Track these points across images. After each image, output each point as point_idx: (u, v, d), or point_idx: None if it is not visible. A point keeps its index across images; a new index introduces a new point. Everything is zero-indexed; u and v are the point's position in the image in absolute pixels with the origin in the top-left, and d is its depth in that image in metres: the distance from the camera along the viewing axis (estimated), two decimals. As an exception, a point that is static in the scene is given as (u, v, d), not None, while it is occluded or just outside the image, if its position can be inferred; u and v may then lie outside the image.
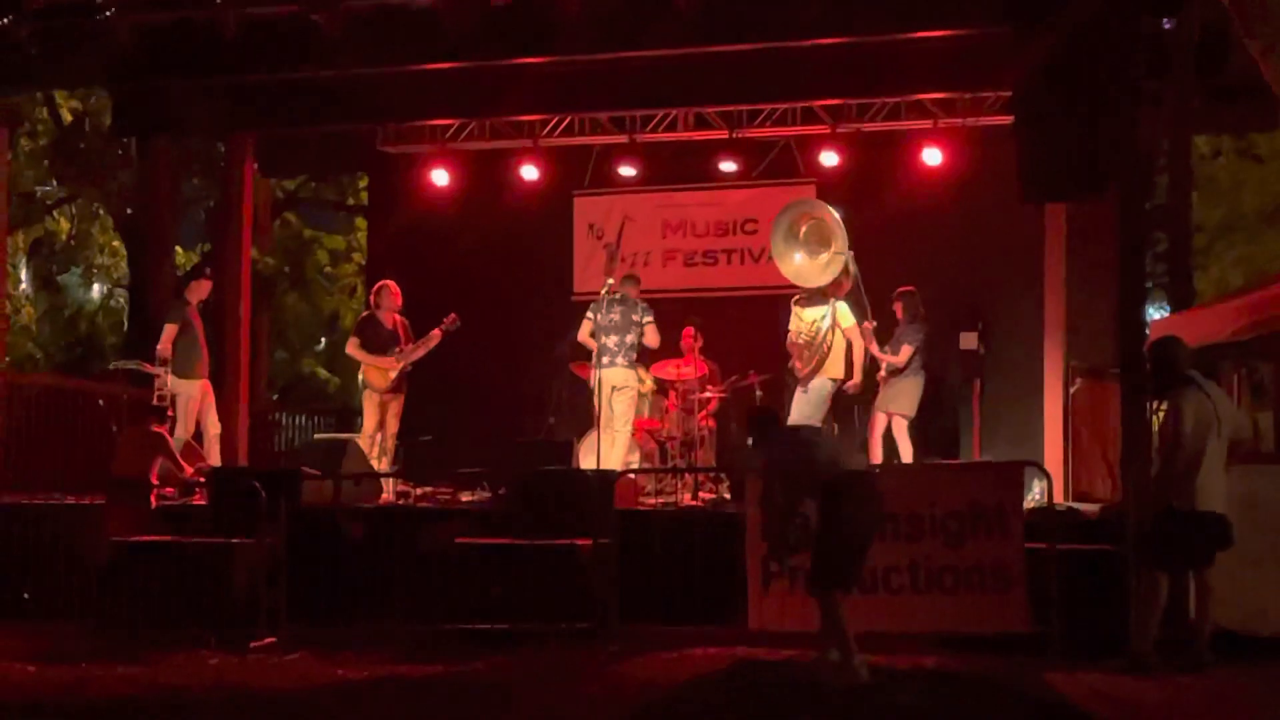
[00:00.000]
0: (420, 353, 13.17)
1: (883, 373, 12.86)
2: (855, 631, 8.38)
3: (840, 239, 12.54)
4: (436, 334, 13.10)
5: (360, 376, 13.45)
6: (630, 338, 12.75)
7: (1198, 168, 17.45)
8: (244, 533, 10.21)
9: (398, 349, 13.14)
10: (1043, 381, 13.52)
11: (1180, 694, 8.27)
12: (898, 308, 13.00)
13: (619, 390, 12.75)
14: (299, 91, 13.64)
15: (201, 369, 12.95)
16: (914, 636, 9.14)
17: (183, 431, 12.66)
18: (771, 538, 8.82)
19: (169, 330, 12.85)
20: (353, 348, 13.37)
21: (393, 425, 13.29)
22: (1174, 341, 9.18)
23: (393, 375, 13.12)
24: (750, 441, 9.04)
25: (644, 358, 13.28)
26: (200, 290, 13.28)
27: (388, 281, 13.57)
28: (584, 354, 13.28)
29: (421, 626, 10.07)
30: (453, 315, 13.07)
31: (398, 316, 13.36)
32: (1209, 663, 8.73)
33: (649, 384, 13.56)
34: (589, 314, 12.99)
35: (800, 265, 12.80)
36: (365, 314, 13.86)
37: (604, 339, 12.78)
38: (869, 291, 12.84)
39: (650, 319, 12.82)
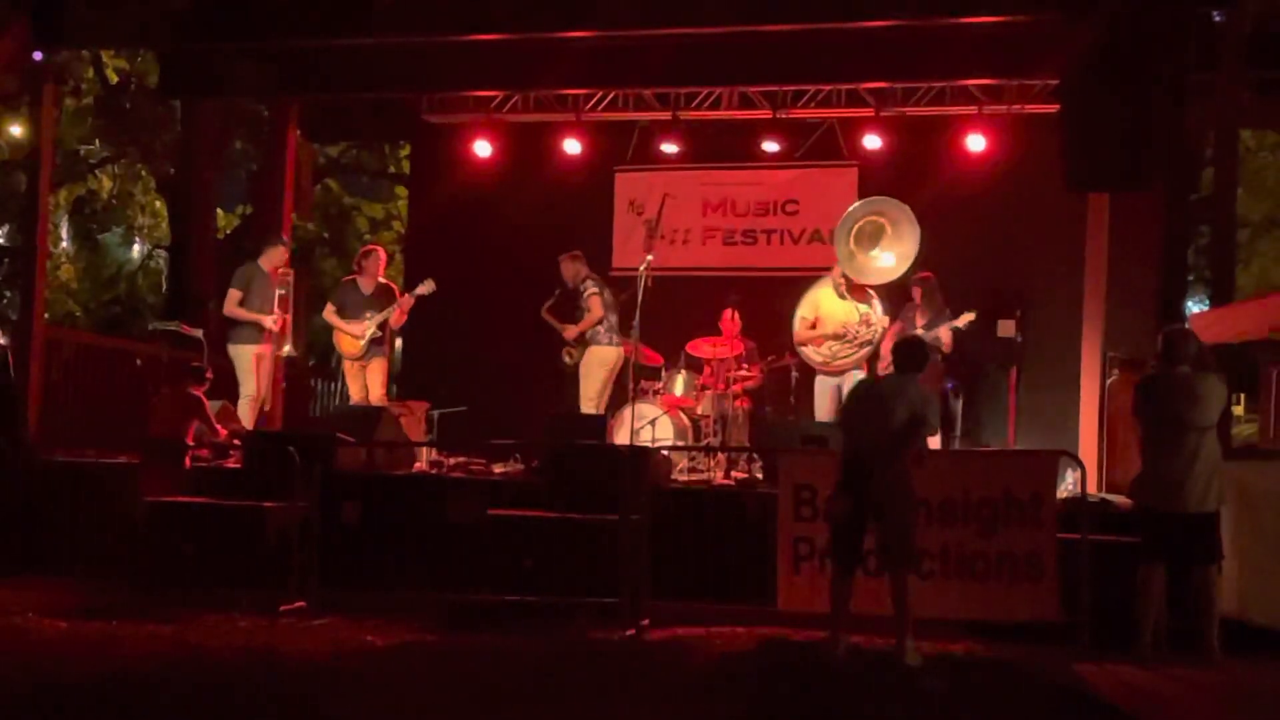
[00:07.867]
0: (397, 317, 13.10)
1: None
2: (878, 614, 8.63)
3: (911, 239, 12.58)
4: (407, 298, 13.03)
5: (335, 346, 13.48)
6: (614, 316, 13.08)
7: (1243, 162, 17.35)
8: (277, 497, 10.22)
9: (369, 315, 13.05)
10: (1080, 371, 13.46)
11: (1203, 688, 8.29)
12: (917, 293, 12.91)
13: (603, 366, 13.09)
14: (346, 58, 13.66)
15: (255, 335, 12.93)
16: (943, 622, 9.11)
17: (249, 390, 12.81)
18: None
19: (231, 295, 12.91)
20: (328, 313, 13.35)
21: (376, 390, 13.19)
22: (1171, 333, 9.16)
23: (362, 342, 13.05)
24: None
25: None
26: (275, 257, 13.17)
27: (374, 247, 13.71)
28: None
29: (451, 596, 10.10)
30: (429, 281, 12.98)
31: (389, 284, 13.29)
32: (1214, 658, 8.68)
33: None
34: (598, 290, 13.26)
35: (884, 266, 12.83)
36: (345, 279, 13.82)
37: (610, 317, 13.18)
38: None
39: (593, 290, 13.13)
